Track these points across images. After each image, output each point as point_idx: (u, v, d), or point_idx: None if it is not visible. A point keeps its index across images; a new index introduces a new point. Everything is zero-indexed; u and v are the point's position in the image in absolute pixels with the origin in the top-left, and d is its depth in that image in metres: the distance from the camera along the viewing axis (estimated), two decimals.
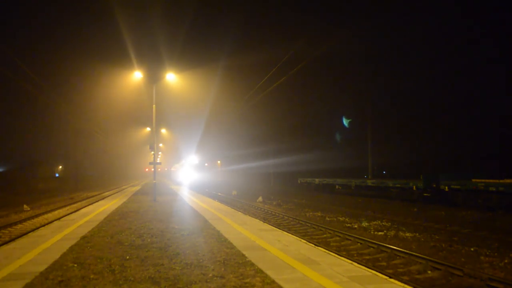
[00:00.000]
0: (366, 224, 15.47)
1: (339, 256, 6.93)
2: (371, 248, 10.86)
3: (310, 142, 51.46)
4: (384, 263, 9.37)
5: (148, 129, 50.68)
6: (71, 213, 18.12)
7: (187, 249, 7.66)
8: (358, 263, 6.43)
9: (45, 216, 20.63)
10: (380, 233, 13.37)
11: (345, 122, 46.33)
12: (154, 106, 22.34)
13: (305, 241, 8.55)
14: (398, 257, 9.72)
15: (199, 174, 44.34)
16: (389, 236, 12.74)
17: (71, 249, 7.90)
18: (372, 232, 13.52)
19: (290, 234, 9.96)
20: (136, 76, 23.37)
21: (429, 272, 8.46)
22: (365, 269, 5.98)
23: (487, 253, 10.13)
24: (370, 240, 11.40)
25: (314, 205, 23.96)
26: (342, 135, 49.63)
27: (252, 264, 6.35)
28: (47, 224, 15.02)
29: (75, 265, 6.48)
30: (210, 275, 5.74)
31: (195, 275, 5.74)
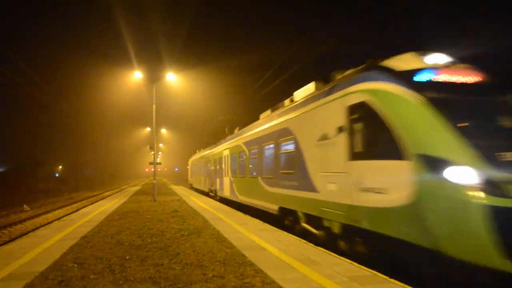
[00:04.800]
0: None
1: (339, 256, 6.92)
2: None
3: None
4: None
5: (148, 129, 50.62)
6: (71, 213, 18.12)
7: (187, 249, 7.65)
8: (358, 263, 6.42)
9: (45, 216, 20.65)
10: None
11: None
12: (154, 106, 22.36)
13: (305, 241, 8.54)
14: None
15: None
16: None
17: (71, 249, 7.89)
18: None
19: (290, 234, 9.95)
20: (136, 76, 23.44)
21: None
22: (365, 269, 5.98)
23: None
24: None
25: None
26: None
27: (252, 264, 6.35)
28: (47, 224, 15.04)
29: (75, 265, 6.47)
30: (210, 275, 5.74)
31: (195, 275, 5.73)
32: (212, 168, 24.82)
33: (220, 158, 21.37)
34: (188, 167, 45.95)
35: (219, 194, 21.99)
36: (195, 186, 35.69)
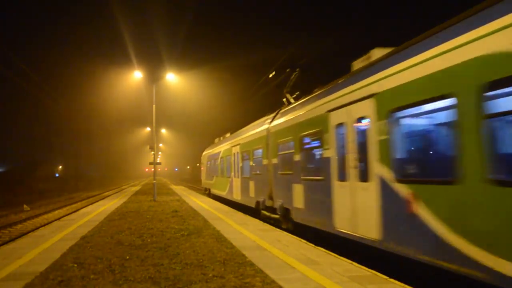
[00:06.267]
0: None
1: (339, 256, 6.92)
2: None
3: None
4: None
5: (148, 129, 50.69)
6: (71, 213, 18.14)
7: (187, 249, 7.65)
8: (358, 263, 6.42)
9: (45, 216, 20.66)
10: None
11: None
12: (154, 106, 22.40)
13: (305, 241, 8.54)
14: None
15: None
16: None
17: (71, 249, 7.90)
18: None
19: (290, 234, 9.95)
20: (136, 76, 23.48)
21: None
22: (365, 269, 5.98)
23: None
24: None
25: None
26: None
27: (252, 264, 6.35)
28: (47, 224, 15.04)
29: (75, 265, 6.48)
30: (210, 275, 5.74)
31: (195, 275, 5.74)
32: (267, 162, 12.74)
33: (306, 138, 9.66)
34: (201, 165, 31.32)
35: (297, 218, 10.16)
36: (216, 192, 23.00)
